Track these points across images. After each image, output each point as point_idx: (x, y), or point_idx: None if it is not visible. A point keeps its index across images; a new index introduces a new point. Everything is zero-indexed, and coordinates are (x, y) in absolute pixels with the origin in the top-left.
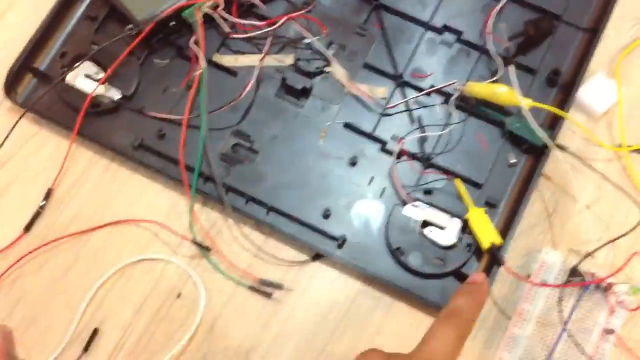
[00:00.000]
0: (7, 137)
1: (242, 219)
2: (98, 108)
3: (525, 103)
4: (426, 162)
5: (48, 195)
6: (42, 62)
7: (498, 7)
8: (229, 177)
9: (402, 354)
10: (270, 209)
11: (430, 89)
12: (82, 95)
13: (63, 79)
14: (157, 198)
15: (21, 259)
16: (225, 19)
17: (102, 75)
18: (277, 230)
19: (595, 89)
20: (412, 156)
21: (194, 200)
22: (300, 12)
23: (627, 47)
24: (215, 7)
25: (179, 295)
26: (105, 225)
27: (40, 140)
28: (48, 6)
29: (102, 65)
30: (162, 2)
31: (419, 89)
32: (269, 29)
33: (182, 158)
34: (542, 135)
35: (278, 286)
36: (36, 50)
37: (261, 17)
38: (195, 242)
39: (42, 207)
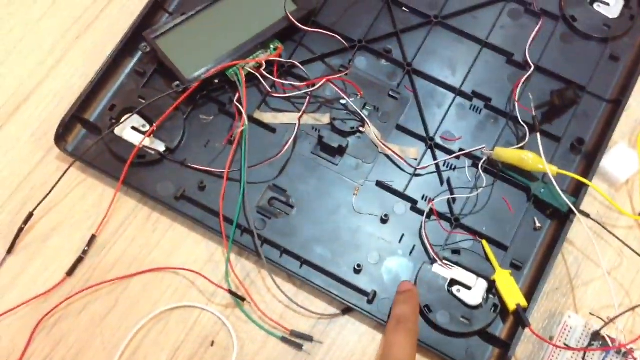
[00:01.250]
0: (56, 184)
1: (276, 270)
2: (143, 159)
3: (551, 170)
4: (454, 222)
5: (91, 241)
6: (92, 114)
7: (525, 77)
8: (264, 229)
9: None
10: (304, 262)
11: (460, 152)
12: (128, 146)
13: (112, 131)
14: (195, 247)
15: (63, 302)
16: (266, 78)
17: (148, 127)
18: (309, 283)
19: (617, 158)
20: (441, 216)
21: (231, 250)
22: (338, 75)
23: None
24: (258, 67)
25: (212, 344)
26: (145, 272)
27: (86, 188)
28: (99, 59)
29: (148, 118)
30: (208, 61)
31: (449, 152)
32: (308, 89)
33: (221, 210)
34: (566, 201)
35: (308, 338)
36: (87, 102)
37: (300, 78)
38: (231, 292)
39: (84, 253)
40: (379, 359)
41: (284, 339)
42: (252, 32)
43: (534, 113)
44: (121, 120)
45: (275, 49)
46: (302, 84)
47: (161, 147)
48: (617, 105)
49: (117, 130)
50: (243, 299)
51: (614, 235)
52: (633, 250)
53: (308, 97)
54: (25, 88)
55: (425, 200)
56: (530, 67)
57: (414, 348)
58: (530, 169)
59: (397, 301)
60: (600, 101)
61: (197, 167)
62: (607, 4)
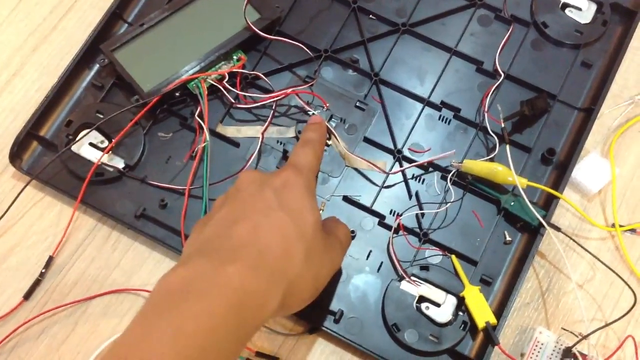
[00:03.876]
0: (11, 204)
1: None
2: (102, 177)
3: (521, 182)
4: (423, 237)
5: (49, 262)
6: (48, 130)
7: (495, 86)
8: None
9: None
10: None
11: (428, 162)
12: (86, 163)
13: (69, 148)
14: (156, 267)
15: (20, 326)
16: (229, 90)
17: (106, 144)
18: None
19: (589, 169)
20: (410, 231)
21: None
22: (303, 86)
23: (621, 126)
24: (220, 79)
25: None
26: (104, 293)
27: (43, 207)
28: (57, 72)
29: (107, 134)
30: (168, 74)
31: (418, 164)
32: (272, 101)
33: (182, 229)
34: (536, 215)
35: (274, 359)
36: (42, 118)
37: (265, 90)
38: None
39: (42, 275)
40: (284, 167)
41: None
42: (214, 43)
43: (502, 124)
44: (78, 137)
45: (238, 60)
46: (266, 96)
47: (120, 163)
48: (588, 113)
49: (75, 147)
50: None
51: (585, 249)
52: (604, 264)
53: (273, 110)
54: None
55: (393, 215)
56: (500, 75)
57: (315, 164)
58: (500, 182)
59: (307, 128)
60: (571, 110)
61: (158, 184)
62: (579, 9)
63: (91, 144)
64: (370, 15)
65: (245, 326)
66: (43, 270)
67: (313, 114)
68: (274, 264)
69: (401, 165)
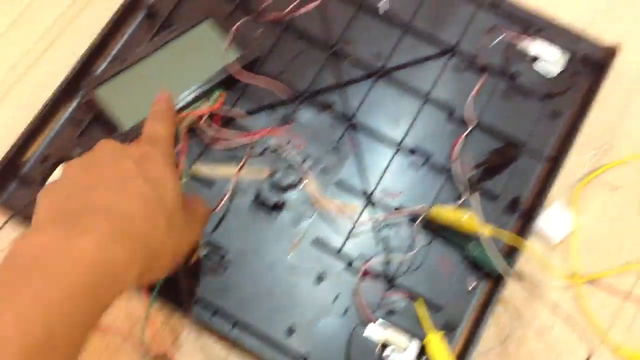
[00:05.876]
0: None
1: (207, 331)
2: None
3: (485, 231)
4: (390, 282)
5: None
6: (25, 165)
7: (465, 133)
8: (197, 287)
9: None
10: (235, 323)
11: (398, 211)
12: None
13: (42, 185)
14: (126, 306)
15: None
16: (207, 129)
17: None
18: (240, 345)
19: (553, 218)
20: (377, 276)
21: (150, 308)
22: (279, 127)
23: (586, 177)
24: (199, 117)
25: None
26: None
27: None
28: (35, 106)
29: None
30: (146, 110)
31: (388, 209)
32: (249, 141)
33: None
34: (499, 264)
35: None
36: (19, 153)
37: (242, 129)
38: (155, 356)
39: None
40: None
41: None
42: (194, 81)
43: (470, 174)
44: (54, 173)
45: (217, 98)
46: (243, 135)
47: None
48: (555, 163)
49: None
50: None
51: (547, 295)
52: (565, 312)
53: (249, 150)
54: None
55: (362, 259)
56: (471, 123)
57: (171, 131)
58: (466, 230)
59: (153, 105)
60: (538, 159)
61: None
62: (550, 61)
63: None
64: (348, 60)
65: (100, 300)
66: None
67: (281, 153)
68: (134, 231)
69: (372, 209)
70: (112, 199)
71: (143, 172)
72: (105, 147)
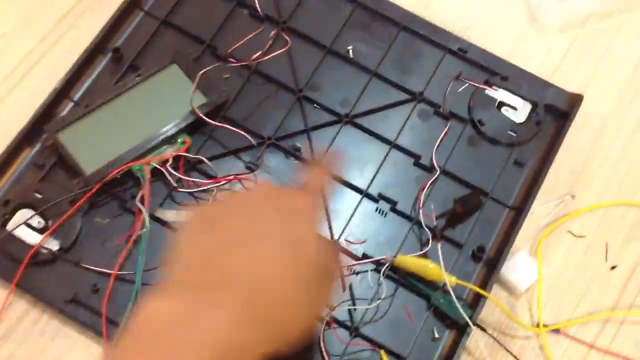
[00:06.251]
0: None
1: None
2: (36, 259)
3: (450, 281)
4: (354, 331)
5: None
6: None
7: (430, 181)
8: None
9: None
10: None
11: (363, 259)
12: (21, 244)
13: (4, 229)
14: (84, 353)
15: None
16: (171, 173)
17: (43, 224)
18: None
19: (517, 267)
20: (341, 324)
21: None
22: (245, 173)
23: (550, 225)
24: (164, 162)
25: None
26: None
27: None
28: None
29: (44, 214)
30: (111, 156)
31: (353, 256)
32: (214, 185)
33: (104, 311)
34: (463, 314)
35: None
36: None
37: (208, 174)
38: None
39: None
40: None
41: None
42: (159, 126)
43: (434, 222)
44: (14, 217)
45: (182, 143)
46: (208, 181)
47: (55, 245)
48: (519, 212)
49: (10, 227)
50: None
51: (511, 345)
52: None
53: (214, 195)
54: None
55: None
56: (436, 170)
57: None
58: (431, 279)
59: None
60: (503, 207)
61: (92, 267)
62: (515, 109)
63: (27, 225)
64: (315, 105)
65: None
66: None
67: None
68: (265, 310)
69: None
70: (244, 265)
71: (281, 232)
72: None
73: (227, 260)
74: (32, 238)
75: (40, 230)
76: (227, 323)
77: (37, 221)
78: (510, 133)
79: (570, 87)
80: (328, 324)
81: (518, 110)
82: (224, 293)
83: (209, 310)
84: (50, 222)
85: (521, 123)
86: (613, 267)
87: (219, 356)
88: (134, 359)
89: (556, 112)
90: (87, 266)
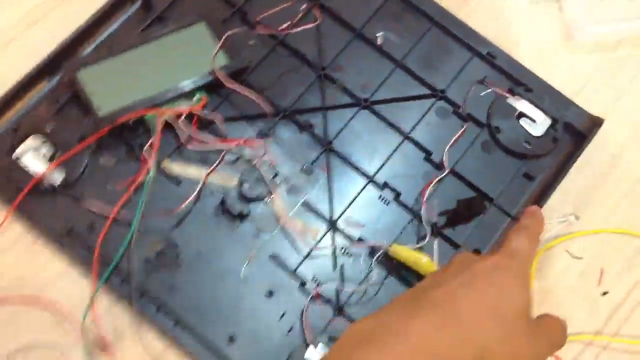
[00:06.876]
0: None
1: (148, 325)
2: (38, 188)
3: None
4: (338, 310)
5: None
6: None
7: (438, 178)
8: (147, 281)
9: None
10: (178, 321)
11: (359, 242)
12: (25, 173)
13: (10, 153)
14: (72, 286)
15: None
16: (183, 129)
17: (49, 156)
18: (179, 344)
19: None
20: (327, 301)
21: (97, 292)
22: (256, 140)
23: (549, 242)
24: (177, 116)
25: None
26: (15, 302)
27: None
28: (12, 79)
29: (52, 147)
30: (126, 102)
31: (349, 238)
32: (223, 147)
33: (97, 249)
34: None
35: None
36: None
37: (218, 134)
38: (92, 341)
39: None
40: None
41: None
42: (177, 80)
43: (435, 219)
44: (23, 144)
45: (199, 100)
46: (218, 141)
47: (59, 178)
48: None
49: (17, 153)
50: (104, 349)
51: None
52: None
53: (222, 156)
54: None
55: (315, 282)
56: (445, 169)
57: (533, 249)
58: (423, 272)
59: (523, 217)
60: (505, 216)
61: (91, 205)
62: (534, 121)
63: (34, 155)
64: (335, 85)
65: None
66: None
67: (254, 164)
68: (466, 328)
69: (333, 236)
70: (447, 296)
71: (488, 280)
72: (459, 257)
73: (431, 292)
74: (37, 167)
75: (46, 162)
76: (420, 329)
77: (43, 153)
78: (525, 145)
79: (592, 109)
80: (314, 297)
81: (537, 123)
82: (422, 310)
83: (405, 319)
84: (57, 155)
85: (538, 137)
86: (605, 293)
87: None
88: None
89: (574, 131)
90: (87, 204)
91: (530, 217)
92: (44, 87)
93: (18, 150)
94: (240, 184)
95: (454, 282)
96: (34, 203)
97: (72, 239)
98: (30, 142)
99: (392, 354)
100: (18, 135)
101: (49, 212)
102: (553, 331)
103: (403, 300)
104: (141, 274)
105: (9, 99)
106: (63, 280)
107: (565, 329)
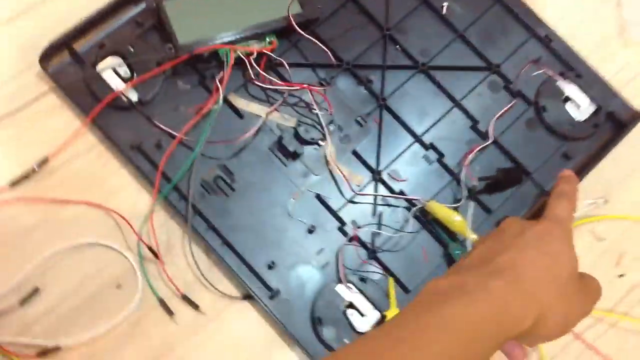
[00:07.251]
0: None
1: (197, 241)
2: (114, 103)
3: (471, 237)
4: (372, 254)
5: (44, 162)
6: (82, 46)
7: (481, 146)
8: (201, 202)
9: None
10: (225, 242)
11: (399, 194)
12: (105, 86)
13: (94, 67)
14: (135, 196)
15: None
16: (252, 67)
17: (128, 75)
18: (223, 262)
19: None
20: (362, 244)
21: (155, 205)
22: (317, 87)
23: (575, 221)
24: (248, 54)
25: (118, 286)
26: (81, 202)
27: (55, 111)
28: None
29: (131, 66)
30: (205, 35)
31: (390, 190)
32: (286, 89)
33: (161, 166)
34: None
35: (194, 306)
36: (80, 33)
37: (283, 77)
38: (148, 247)
39: (33, 171)
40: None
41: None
42: (254, 20)
43: (475, 182)
44: (105, 60)
45: (269, 43)
46: (282, 83)
47: (134, 96)
48: None
49: (99, 68)
50: (156, 256)
51: None
52: None
53: (283, 97)
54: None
55: (353, 225)
56: (489, 138)
57: (572, 211)
58: (455, 230)
59: (558, 182)
60: (539, 191)
61: (161, 125)
62: (579, 106)
63: (115, 71)
64: (397, 46)
65: (499, 334)
66: (35, 168)
67: (312, 109)
68: (530, 289)
69: (376, 185)
70: (511, 262)
71: (541, 246)
72: (510, 222)
73: (497, 259)
74: (116, 83)
75: (125, 80)
76: (499, 288)
77: (124, 71)
78: (568, 127)
79: (636, 103)
80: (352, 239)
81: (581, 108)
82: (495, 273)
83: (483, 279)
84: (135, 75)
85: (580, 121)
86: (621, 275)
87: (494, 313)
88: (418, 317)
89: (615, 121)
90: (158, 123)
91: (567, 183)
92: (130, 12)
93: (100, 65)
94: (298, 125)
95: (513, 250)
96: (109, 117)
97: (140, 153)
98: (112, 60)
99: (478, 306)
100: (102, 51)
101: (121, 126)
102: (593, 289)
103: (472, 263)
104: (197, 195)
105: (98, 17)
106: (126, 190)
107: (600, 287)
